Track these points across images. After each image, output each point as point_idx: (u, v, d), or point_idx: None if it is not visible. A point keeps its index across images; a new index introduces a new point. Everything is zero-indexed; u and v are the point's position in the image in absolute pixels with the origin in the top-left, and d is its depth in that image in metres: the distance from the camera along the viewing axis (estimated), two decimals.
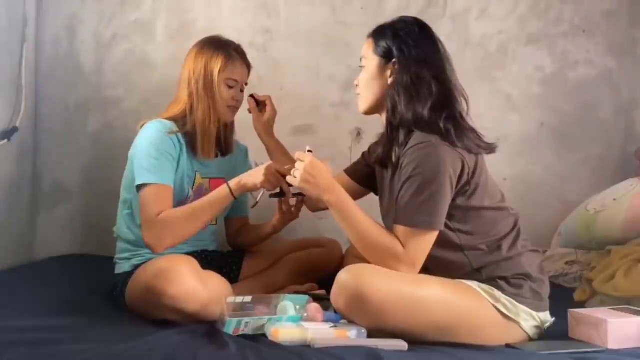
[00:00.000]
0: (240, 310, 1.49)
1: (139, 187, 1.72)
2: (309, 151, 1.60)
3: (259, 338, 1.43)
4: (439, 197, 1.46)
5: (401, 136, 1.55)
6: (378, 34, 1.63)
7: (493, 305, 1.48)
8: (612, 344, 1.42)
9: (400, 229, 1.49)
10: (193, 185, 1.84)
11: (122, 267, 1.80)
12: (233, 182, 1.73)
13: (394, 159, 1.55)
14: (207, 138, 1.82)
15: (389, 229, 1.53)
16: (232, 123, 1.95)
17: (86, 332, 1.43)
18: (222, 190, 1.73)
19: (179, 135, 1.80)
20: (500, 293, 1.49)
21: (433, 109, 1.52)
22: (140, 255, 1.77)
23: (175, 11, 2.44)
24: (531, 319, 1.51)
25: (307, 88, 2.45)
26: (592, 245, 2.10)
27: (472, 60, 2.48)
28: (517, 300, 1.49)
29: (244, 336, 1.44)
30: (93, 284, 1.87)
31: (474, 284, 1.50)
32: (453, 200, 1.50)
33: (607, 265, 1.92)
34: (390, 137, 1.58)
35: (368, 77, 1.63)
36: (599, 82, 2.49)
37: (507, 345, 1.47)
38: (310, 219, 2.40)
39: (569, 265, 2.12)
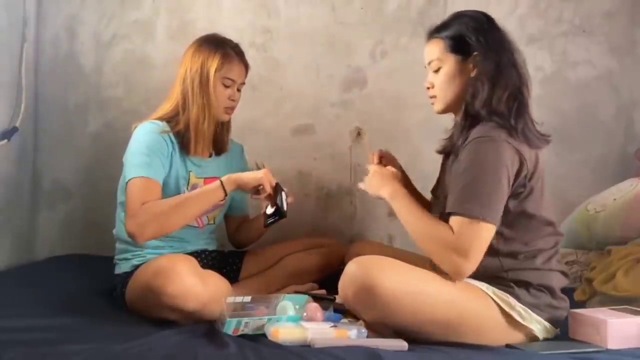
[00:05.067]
0: (240, 310, 1.49)
1: (128, 183, 1.71)
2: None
3: (258, 338, 1.43)
4: (494, 191, 1.44)
5: (472, 124, 1.54)
6: (445, 31, 1.60)
7: (506, 311, 1.47)
8: (612, 344, 1.42)
9: (452, 218, 1.46)
10: (187, 185, 1.84)
11: (121, 268, 1.80)
12: (225, 177, 1.73)
13: (459, 143, 1.55)
14: (201, 137, 1.81)
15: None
16: (229, 122, 1.94)
17: (86, 332, 1.43)
18: (213, 184, 1.73)
19: (171, 135, 1.79)
20: (515, 301, 1.48)
21: (508, 98, 1.52)
22: (141, 256, 1.77)
23: (175, 11, 2.44)
24: (543, 328, 1.51)
25: (307, 88, 2.45)
26: (592, 245, 2.10)
27: None
28: (532, 310, 1.49)
29: (244, 336, 1.44)
30: (93, 284, 1.87)
31: (488, 290, 1.49)
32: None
33: (607, 265, 1.91)
34: (462, 126, 1.57)
35: (448, 77, 1.59)
36: (599, 82, 2.49)
37: (507, 346, 1.47)
38: (310, 219, 2.40)
39: (569, 265, 2.11)
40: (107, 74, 2.43)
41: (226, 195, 1.72)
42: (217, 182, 1.72)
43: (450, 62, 1.59)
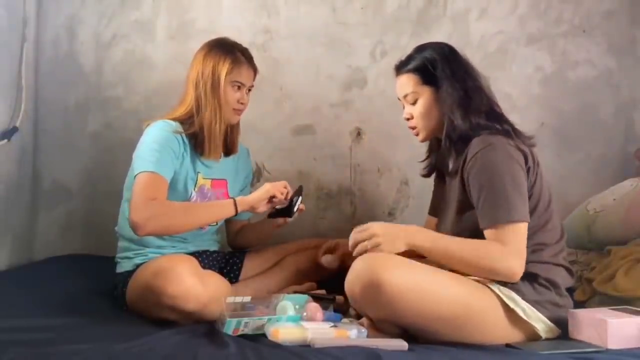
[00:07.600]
0: (240, 310, 1.49)
1: (136, 176, 1.72)
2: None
3: (258, 338, 1.43)
4: (514, 191, 1.49)
5: (461, 146, 1.59)
6: (413, 65, 1.67)
7: (510, 308, 1.48)
8: (612, 344, 1.42)
9: (488, 232, 1.50)
10: (195, 185, 1.85)
11: (123, 266, 1.80)
12: (239, 198, 1.79)
13: (451, 166, 1.61)
14: (214, 139, 1.83)
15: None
16: (238, 124, 1.96)
17: (86, 332, 1.44)
18: (226, 201, 1.78)
19: (184, 136, 1.81)
20: (519, 297, 1.49)
21: (487, 115, 1.60)
22: (143, 254, 1.78)
23: (175, 11, 2.44)
24: (547, 327, 1.51)
25: (307, 88, 2.45)
26: (591, 245, 2.10)
27: (472, 60, 2.46)
28: (535, 308, 1.50)
29: (244, 336, 1.44)
30: (93, 284, 1.88)
31: (493, 286, 1.50)
32: None
33: (607, 265, 1.91)
34: (449, 149, 1.63)
35: (426, 108, 1.67)
36: (599, 82, 2.49)
37: (507, 345, 1.47)
38: (310, 220, 2.41)
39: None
40: (107, 74, 2.43)
41: (236, 213, 1.77)
42: (231, 201, 1.77)
43: (426, 94, 1.66)
